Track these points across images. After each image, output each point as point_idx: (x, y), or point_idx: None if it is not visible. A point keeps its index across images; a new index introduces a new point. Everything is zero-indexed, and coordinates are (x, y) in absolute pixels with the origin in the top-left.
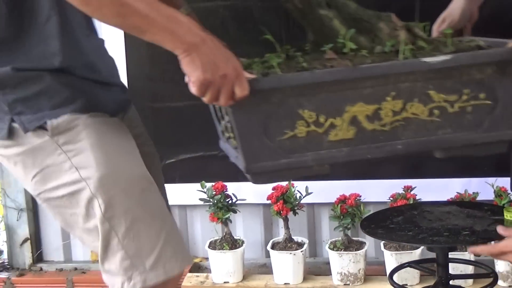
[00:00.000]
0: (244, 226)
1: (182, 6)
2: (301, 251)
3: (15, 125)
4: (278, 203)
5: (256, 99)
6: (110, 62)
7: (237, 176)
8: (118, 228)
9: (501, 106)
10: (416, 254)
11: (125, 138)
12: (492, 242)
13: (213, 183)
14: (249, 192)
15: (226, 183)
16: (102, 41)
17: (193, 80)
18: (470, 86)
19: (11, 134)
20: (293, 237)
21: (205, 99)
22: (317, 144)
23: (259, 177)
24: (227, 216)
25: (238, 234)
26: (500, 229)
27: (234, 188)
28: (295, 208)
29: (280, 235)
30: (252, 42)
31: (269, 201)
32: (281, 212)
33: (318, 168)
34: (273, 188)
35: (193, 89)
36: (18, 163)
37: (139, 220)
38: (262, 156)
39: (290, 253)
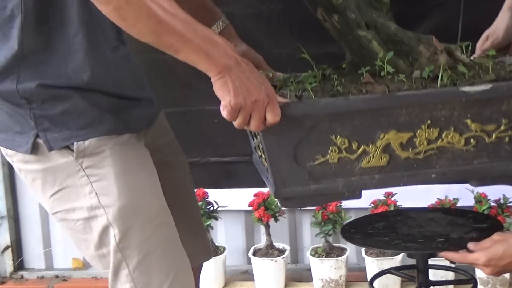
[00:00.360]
0: (226, 233)
1: (220, 17)
2: (283, 258)
3: (40, 141)
4: (259, 210)
5: (287, 124)
6: (138, 73)
7: (218, 183)
8: (130, 260)
9: None
10: (397, 260)
11: (147, 167)
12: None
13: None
14: (230, 199)
15: (207, 190)
16: (129, 51)
17: (224, 104)
18: (509, 115)
19: (34, 149)
20: (274, 243)
21: (235, 123)
22: (349, 171)
23: (288, 202)
24: (208, 223)
25: (220, 241)
26: (470, 245)
27: (215, 195)
28: (276, 214)
29: (262, 242)
30: None
31: (250, 208)
32: (263, 218)
33: (349, 195)
34: (255, 195)
35: (224, 113)
36: (37, 180)
37: (152, 254)
38: (292, 181)
39: (272, 260)
